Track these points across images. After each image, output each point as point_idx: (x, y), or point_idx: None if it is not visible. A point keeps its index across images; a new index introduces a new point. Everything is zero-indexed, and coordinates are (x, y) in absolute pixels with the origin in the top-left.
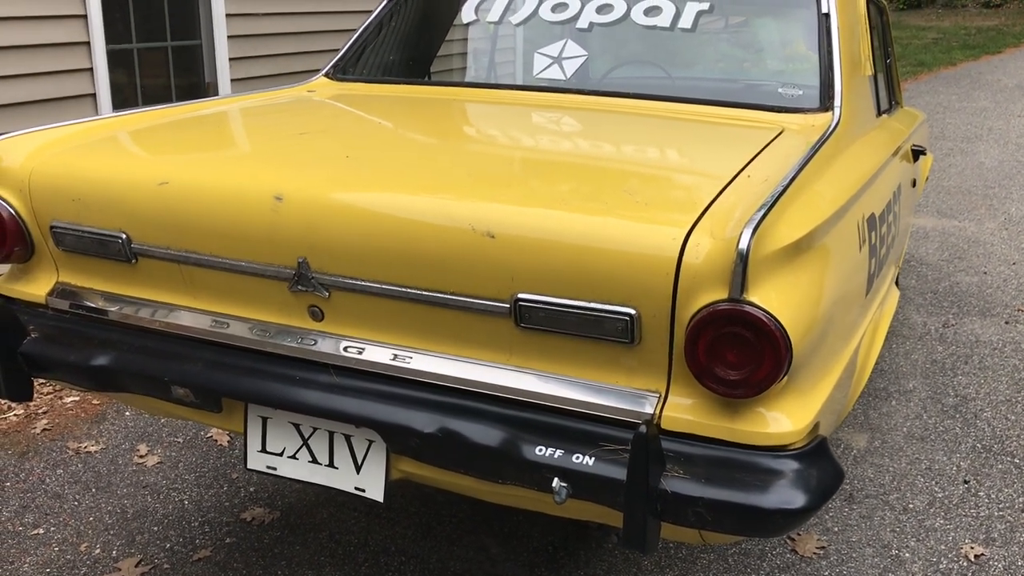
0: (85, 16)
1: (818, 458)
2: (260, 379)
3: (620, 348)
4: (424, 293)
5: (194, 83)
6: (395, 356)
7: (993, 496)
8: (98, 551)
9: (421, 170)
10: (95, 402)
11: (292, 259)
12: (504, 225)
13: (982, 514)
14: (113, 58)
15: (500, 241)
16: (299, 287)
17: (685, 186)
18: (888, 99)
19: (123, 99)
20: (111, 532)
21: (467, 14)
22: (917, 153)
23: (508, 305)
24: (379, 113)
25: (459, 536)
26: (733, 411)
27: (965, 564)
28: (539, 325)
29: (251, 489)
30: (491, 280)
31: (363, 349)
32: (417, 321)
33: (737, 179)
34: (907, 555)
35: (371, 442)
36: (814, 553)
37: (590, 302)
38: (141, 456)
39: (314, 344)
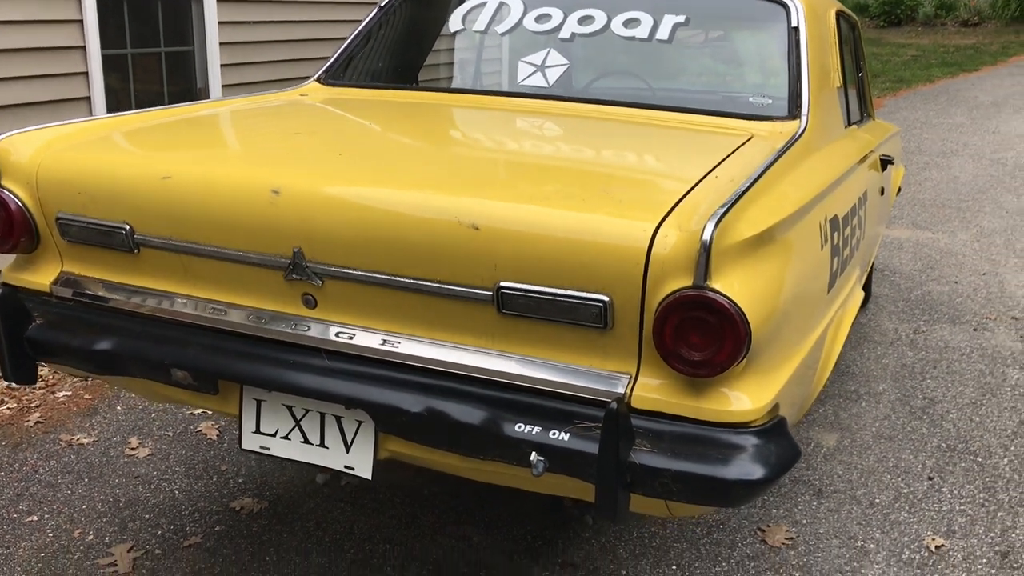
0: (81, 21)
1: (776, 435)
2: (255, 362)
3: (594, 333)
4: (412, 281)
5: (186, 88)
6: (384, 341)
7: (956, 492)
8: (91, 537)
9: (410, 168)
10: (87, 396)
11: (287, 249)
12: (488, 218)
13: (944, 508)
14: (108, 63)
15: (484, 233)
16: (293, 276)
17: (657, 185)
18: (860, 111)
19: (117, 103)
20: (103, 520)
21: (454, 23)
22: (885, 163)
23: (491, 293)
24: (369, 116)
25: (442, 526)
26: (698, 391)
27: (926, 554)
28: (520, 311)
29: (240, 480)
30: (475, 269)
31: (354, 334)
32: (405, 308)
33: (705, 179)
34: (872, 546)
35: (360, 422)
36: (783, 543)
37: (567, 290)
38: (132, 448)
39: (307, 330)
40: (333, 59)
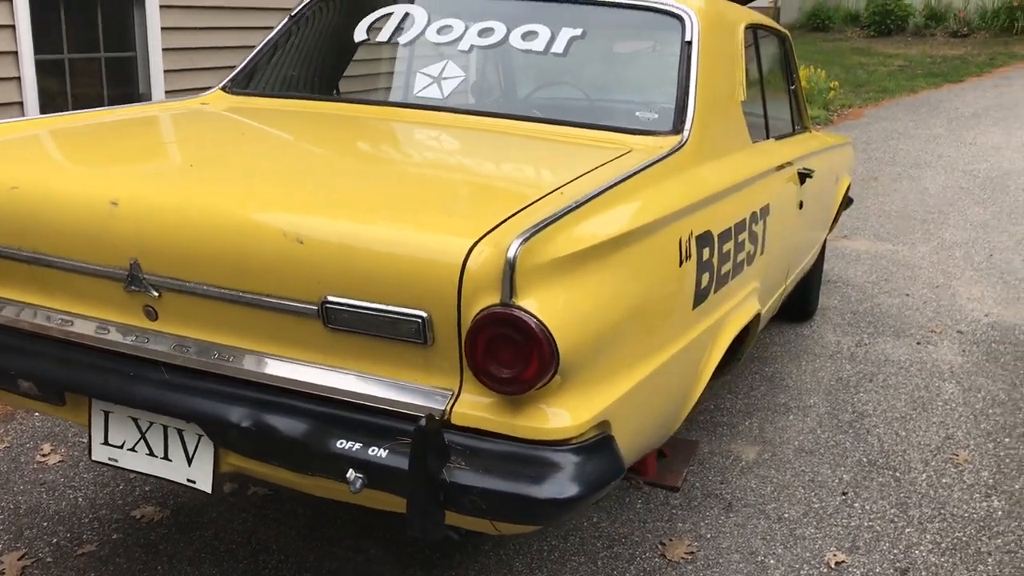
0: (13, 26)
1: (597, 452)
2: (98, 375)
3: (416, 348)
4: (243, 295)
5: (128, 93)
6: (218, 354)
7: (867, 507)
8: None
9: (252, 181)
10: (5, 403)
11: (125, 260)
12: (313, 232)
13: (852, 524)
14: (43, 68)
15: (309, 247)
16: (132, 287)
17: (496, 199)
18: (791, 124)
19: (54, 107)
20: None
21: (360, 33)
22: (804, 176)
23: (317, 307)
24: (254, 127)
25: (340, 539)
26: (517, 408)
27: (825, 571)
28: (345, 326)
29: (146, 488)
30: (301, 283)
31: (190, 347)
32: (239, 321)
33: (550, 195)
34: (772, 561)
35: (200, 436)
36: (682, 558)
37: (388, 305)
38: (44, 455)
39: (147, 342)
40: (239, 68)
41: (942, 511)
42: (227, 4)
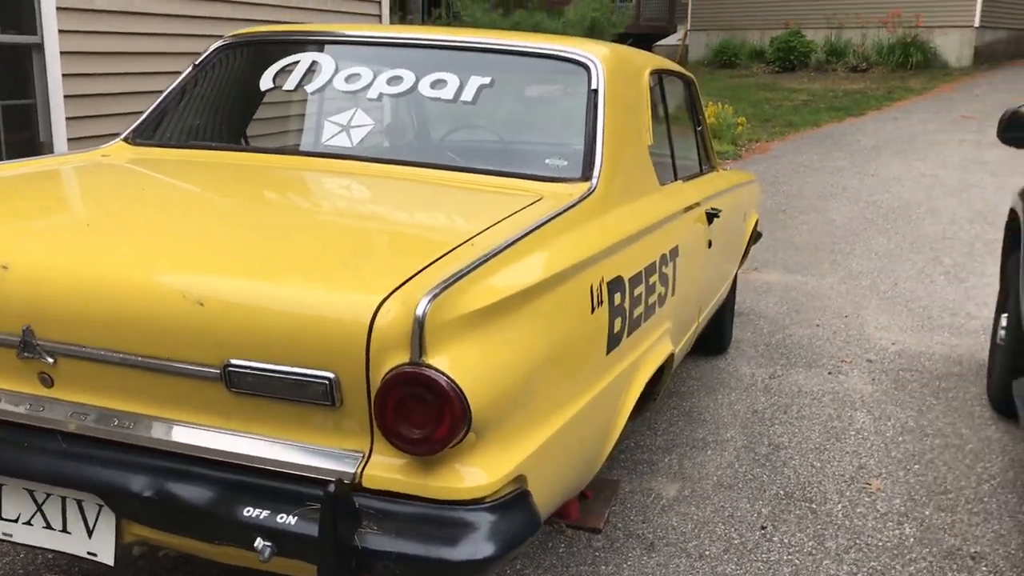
0: None
1: (513, 509)
2: None
3: (325, 411)
4: (142, 359)
5: (27, 140)
6: (118, 422)
7: (786, 541)
8: None
9: (152, 238)
10: None
11: (17, 327)
12: (214, 293)
13: (772, 558)
14: None
15: (209, 308)
16: (25, 354)
17: (405, 253)
18: (698, 164)
19: None
20: None
21: (266, 82)
22: (712, 216)
23: (219, 371)
24: (153, 179)
25: None
26: (430, 468)
27: None
28: (249, 390)
29: (49, 555)
30: (202, 346)
31: (88, 415)
32: (139, 387)
33: (461, 246)
34: None
35: (101, 506)
36: None
37: (293, 367)
38: None
39: (42, 411)
40: (142, 118)
41: (858, 541)
42: (130, 50)
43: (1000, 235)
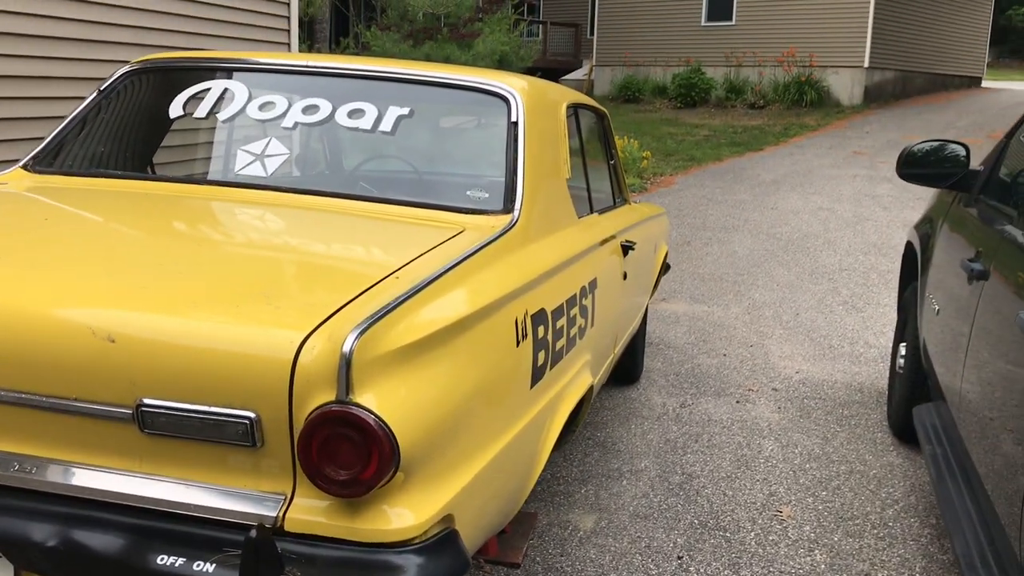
0: None
1: (441, 550)
2: None
3: (245, 452)
4: (47, 400)
5: None
6: (18, 466)
7: (702, 570)
8: None
9: (56, 271)
10: None
11: None
12: (126, 329)
13: None
14: None
15: (121, 345)
16: None
17: (329, 287)
18: (611, 197)
19: None
20: None
21: (175, 109)
22: (627, 248)
23: (131, 411)
24: (56, 209)
25: None
26: (355, 510)
27: None
28: (164, 431)
29: None
30: (113, 385)
31: None
32: (43, 428)
33: (386, 280)
34: None
35: None
36: None
37: (211, 406)
38: None
39: None
40: (43, 145)
41: (771, 569)
42: (31, 73)
43: (894, 266)
